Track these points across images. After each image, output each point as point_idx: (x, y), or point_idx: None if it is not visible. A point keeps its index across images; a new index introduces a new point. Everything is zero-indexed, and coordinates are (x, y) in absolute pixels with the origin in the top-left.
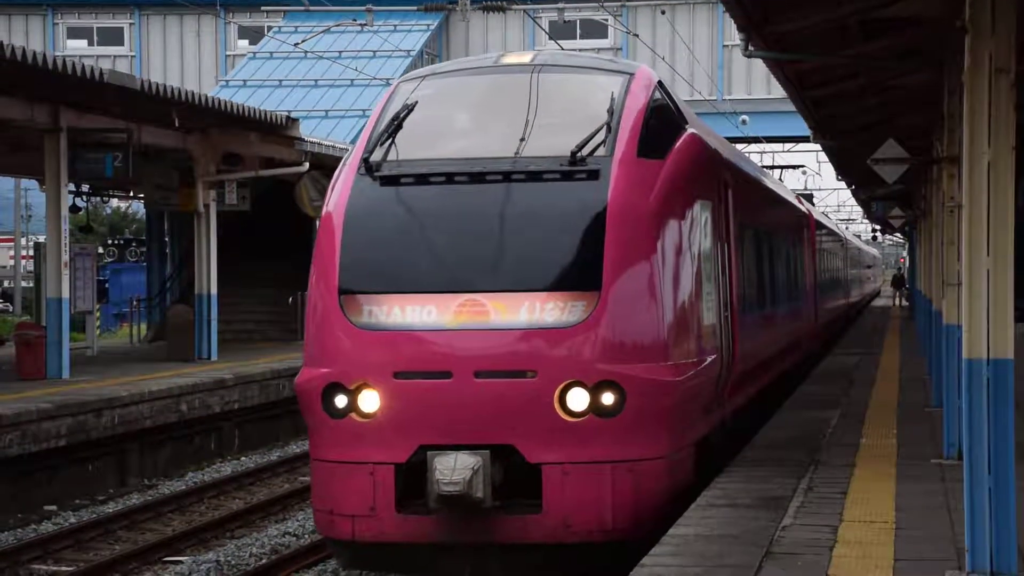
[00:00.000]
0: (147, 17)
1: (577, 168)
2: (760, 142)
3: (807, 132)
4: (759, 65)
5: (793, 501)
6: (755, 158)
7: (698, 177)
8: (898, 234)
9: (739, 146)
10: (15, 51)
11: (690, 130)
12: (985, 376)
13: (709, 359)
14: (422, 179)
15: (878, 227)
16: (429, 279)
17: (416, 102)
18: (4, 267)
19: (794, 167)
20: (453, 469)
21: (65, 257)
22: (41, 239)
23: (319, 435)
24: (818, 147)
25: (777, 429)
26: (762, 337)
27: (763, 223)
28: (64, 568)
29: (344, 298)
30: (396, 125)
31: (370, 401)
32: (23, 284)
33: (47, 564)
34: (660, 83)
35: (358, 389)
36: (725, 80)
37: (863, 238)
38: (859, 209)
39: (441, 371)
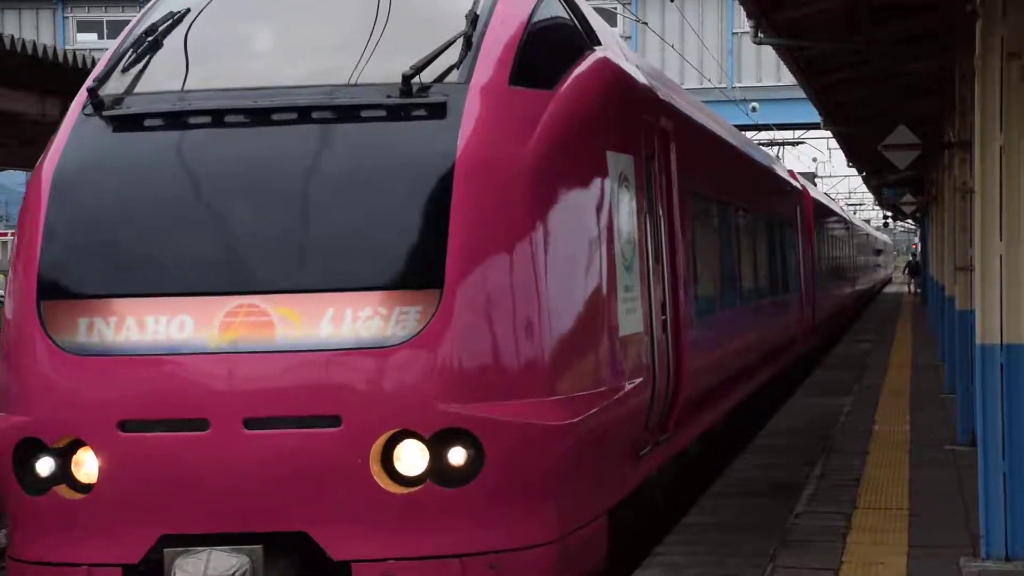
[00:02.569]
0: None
1: (413, 100)
2: (770, 129)
3: (817, 119)
4: (769, 52)
5: (806, 488)
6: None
7: (612, 120)
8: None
9: (749, 134)
10: (25, 45)
11: (601, 52)
12: (999, 361)
13: (630, 385)
14: (176, 119)
15: (889, 214)
16: (180, 275)
17: (187, 10)
18: None
19: (794, 143)
20: None
21: None
22: None
23: (13, 520)
24: (829, 134)
25: (789, 416)
26: (729, 345)
27: (733, 196)
28: None
29: (46, 306)
30: (151, 43)
31: (85, 467)
32: None
33: None
34: None
35: (68, 449)
36: (735, 68)
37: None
38: (870, 196)
39: (193, 419)
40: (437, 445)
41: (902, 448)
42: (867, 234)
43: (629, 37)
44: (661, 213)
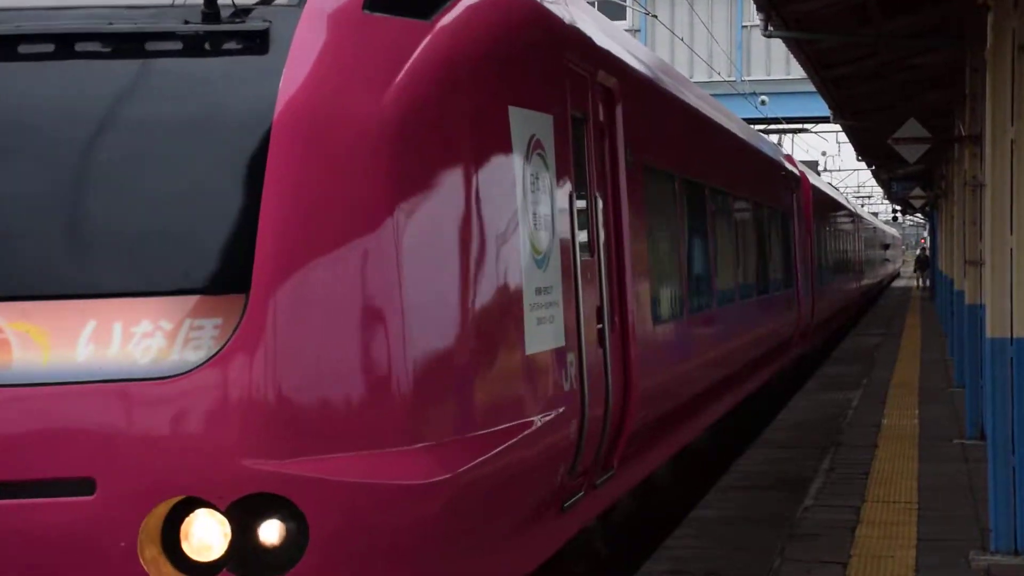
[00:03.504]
0: None
1: (222, 28)
2: (780, 123)
3: (827, 112)
4: (778, 45)
5: (815, 482)
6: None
7: (519, 65)
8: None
9: (758, 127)
10: None
11: None
12: (1009, 355)
13: (543, 419)
14: None
15: (899, 208)
16: None
17: None
18: None
19: (796, 130)
20: None
21: None
22: None
23: None
24: (838, 127)
25: (797, 411)
26: (703, 355)
27: (708, 177)
28: None
29: None
30: None
31: None
32: None
33: None
34: None
35: None
36: (744, 61)
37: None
38: (879, 190)
39: None
40: (240, 518)
41: (911, 442)
42: (874, 227)
43: (639, 30)
44: (600, 193)
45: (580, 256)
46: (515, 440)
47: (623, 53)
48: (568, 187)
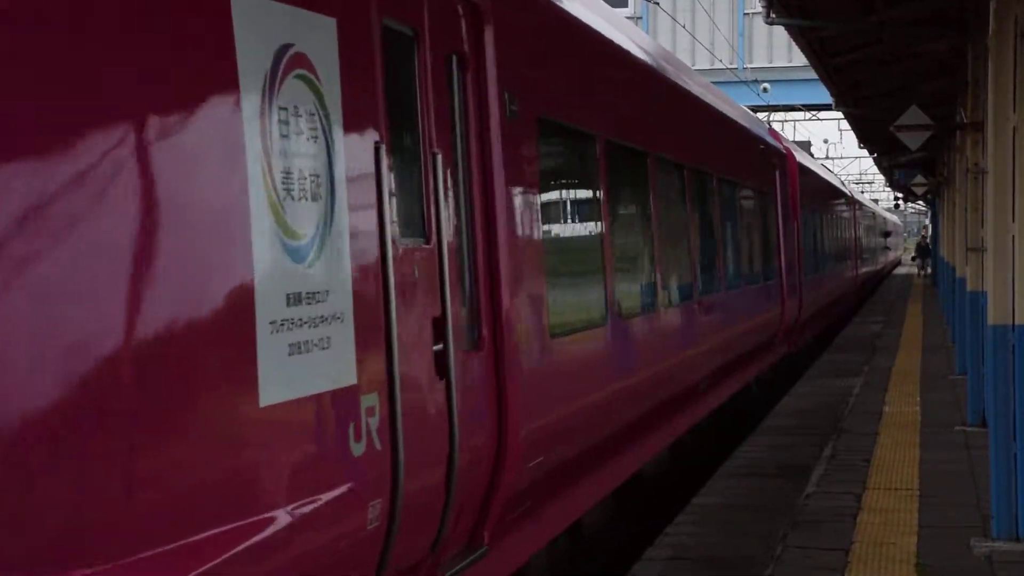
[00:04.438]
0: None
1: None
2: (782, 110)
3: (829, 100)
4: (780, 33)
5: (816, 469)
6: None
7: None
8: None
9: (761, 115)
10: None
11: None
12: (1011, 342)
13: (303, 509)
14: None
15: (900, 195)
16: None
17: None
18: None
19: (788, 108)
20: None
21: None
22: None
23: None
24: (840, 115)
25: (799, 398)
26: (639, 372)
27: (648, 140)
28: None
29: None
30: None
31: None
32: None
33: None
34: None
35: None
36: (746, 48)
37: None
38: (881, 177)
39: None
40: None
41: (912, 429)
42: (873, 213)
43: (640, 17)
44: (445, 150)
45: (400, 243)
46: (228, 557)
47: None
48: (372, 135)
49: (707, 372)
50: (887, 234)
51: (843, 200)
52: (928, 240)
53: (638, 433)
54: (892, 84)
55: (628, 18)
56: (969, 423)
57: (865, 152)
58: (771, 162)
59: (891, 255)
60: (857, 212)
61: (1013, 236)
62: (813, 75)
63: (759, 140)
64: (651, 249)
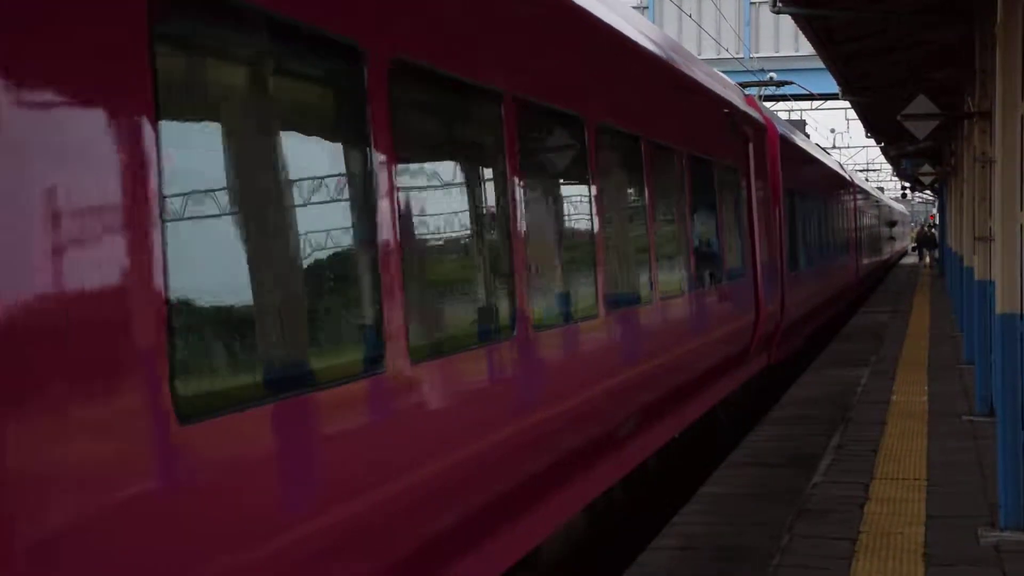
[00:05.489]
0: None
1: None
2: (788, 100)
3: (836, 89)
4: (787, 22)
5: (824, 459)
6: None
7: None
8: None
9: (768, 104)
10: None
11: None
12: (1019, 331)
13: None
14: None
15: (907, 184)
16: None
17: None
18: None
19: (779, 83)
20: None
21: None
22: None
23: None
24: (847, 104)
25: (807, 387)
26: (540, 410)
27: (545, 92)
28: None
29: None
30: None
31: None
32: None
33: None
34: None
35: None
36: (752, 38)
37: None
38: (888, 167)
39: None
40: None
41: (920, 418)
42: (877, 201)
43: (647, 7)
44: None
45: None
46: None
47: None
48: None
49: (665, 391)
50: (892, 223)
51: (842, 186)
52: (931, 229)
53: (546, 487)
54: (899, 73)
55: (634, 8)
56: (977, 412)
57: (872, 141)
58: (742, 132)
59: (897, 245)
60: (859, 200)
61: (1021, 225)
62: (820, 64)
63: (724, 103)
64: (543, 237)
